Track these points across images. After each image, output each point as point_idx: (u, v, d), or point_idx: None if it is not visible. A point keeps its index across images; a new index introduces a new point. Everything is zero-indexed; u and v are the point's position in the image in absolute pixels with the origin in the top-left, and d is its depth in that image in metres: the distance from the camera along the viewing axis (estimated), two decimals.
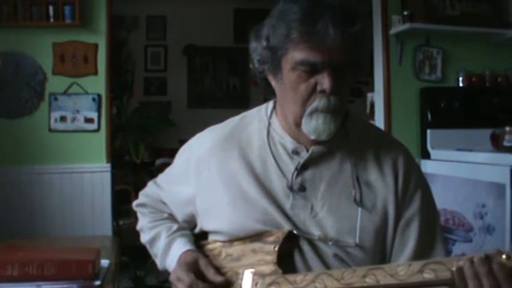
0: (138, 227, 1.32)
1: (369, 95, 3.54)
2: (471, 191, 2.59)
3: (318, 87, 1.01)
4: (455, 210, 2.69)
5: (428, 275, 0.85)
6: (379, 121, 3.18)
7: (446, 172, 2.83)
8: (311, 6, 0.98)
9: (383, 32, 3.14)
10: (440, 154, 2.98)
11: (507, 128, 2.67)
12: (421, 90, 3.15)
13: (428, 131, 3.08)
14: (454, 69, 3.22)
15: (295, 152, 1.11)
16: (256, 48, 1.08)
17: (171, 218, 1.27)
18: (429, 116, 3.10)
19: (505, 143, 2.66)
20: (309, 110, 1.03)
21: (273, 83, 1.10)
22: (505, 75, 3.25)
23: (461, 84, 3.21)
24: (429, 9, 3.07)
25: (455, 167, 2.77)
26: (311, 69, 1.00)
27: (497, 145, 2.73)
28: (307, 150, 1.10)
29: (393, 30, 3.12)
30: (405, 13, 3.04)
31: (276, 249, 1.03)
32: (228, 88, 6.13)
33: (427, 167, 2.98)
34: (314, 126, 1.03)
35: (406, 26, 3.02)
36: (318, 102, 1.02)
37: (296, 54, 1.00)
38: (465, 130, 3.04)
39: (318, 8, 0.98)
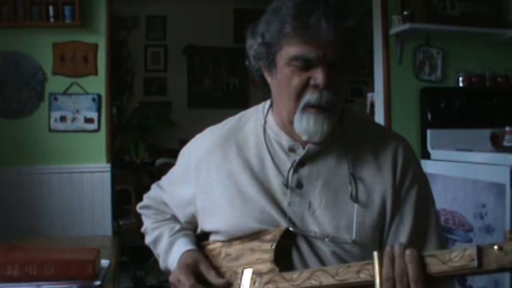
0: (142, 229, 1.33)
1: (369, 95, 3.54)
2: (471, 191, 2.59)
3: (311, 82, 1.01)
4: (455, 210, 2.69)
5: None
6: (379, 121, 3.17)
7: (446, 172, 2.82)
8: (304, 1, 0.99)
9: (383, 32, 3.13)
10: (440, 154, 2.98)
11: (507, 128, 2.67)
12: (421, 90, 3.15)
13: (428, 131, 3.07)
14: (454, 69, 3.22)
15: (291, 149, 1.11)
16: (252, 45, 1.09)
17: (174, 218, 1.28)
18: (429, 116, 3.10)
19: (505, 143, 2.66)
20: (301, 104, 1.03)
21: (269, 79, 1.10)
22: (505, 75, 3.25)
23: (461, 84, 3.21)
24: (429, 9, 3.07)
25: (455, 167, 2.77)
26: (305, 65, 1.00)
27: (497, 145, 2.73)
28: (303, 147, 1.10)
29: (393, 30, 3.12)
30: (405, 13, 3.04)
31: (273, 247, 1.03)
32: (228, 88, 6.12)
33: (427, 167, 2.98)
34: (305, 127, 1.03)
35: (406, 26, 3.02)
36: (310, 96, 1.01)
37: (290, 49, 1.00)
38: (465, 130, 3.04)
39: (310, 2, 0.98)
